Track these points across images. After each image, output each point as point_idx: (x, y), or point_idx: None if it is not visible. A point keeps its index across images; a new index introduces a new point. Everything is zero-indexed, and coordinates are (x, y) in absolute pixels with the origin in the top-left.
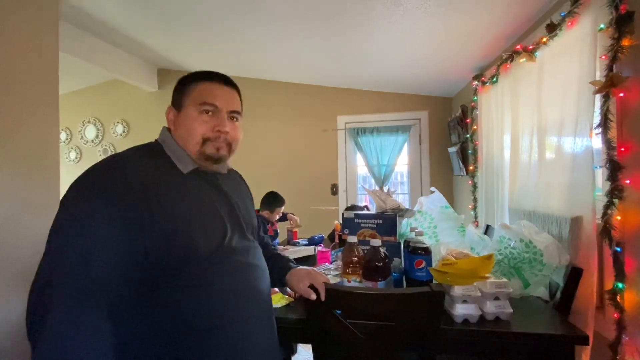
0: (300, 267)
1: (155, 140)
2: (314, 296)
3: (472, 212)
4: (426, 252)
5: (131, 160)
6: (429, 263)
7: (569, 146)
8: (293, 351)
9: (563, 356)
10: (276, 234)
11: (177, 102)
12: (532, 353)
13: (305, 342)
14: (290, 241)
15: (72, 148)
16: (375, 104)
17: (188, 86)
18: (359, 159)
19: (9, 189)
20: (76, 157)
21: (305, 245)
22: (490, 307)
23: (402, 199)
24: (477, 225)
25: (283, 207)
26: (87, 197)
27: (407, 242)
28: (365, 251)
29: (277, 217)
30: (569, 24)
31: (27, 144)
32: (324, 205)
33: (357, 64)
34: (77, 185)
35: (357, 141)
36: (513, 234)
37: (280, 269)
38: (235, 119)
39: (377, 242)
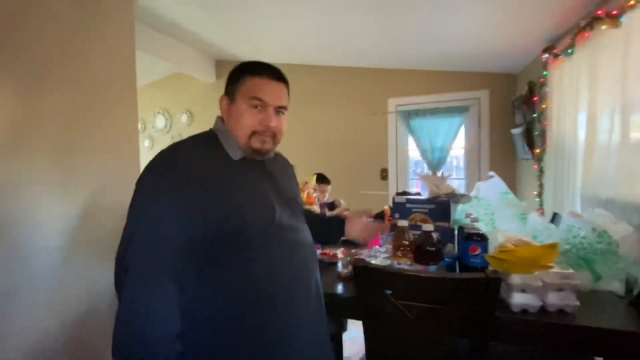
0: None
1: (210, 129)
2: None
3: (537, 199)
4: (482, 238)
5: (190, 148)
6: (485, 250)
7: None
8: (344, 328)
9: (636, 355)
10: None
11: (230, 92)
12: (598, 349)
13: (355, 318)
14: None
15: (146, 137)
16: (428, 84)
17: (240, 78)
18: (411, 143)
19: (99, 173)
20: (149, 145)
21: None
22: (553, 299)
23: (457, 184)
24: (542, 213)
25: (329, 187)
26: (156, 179)
27: (461, 229)
28: (416, 236)
29: (325, 196)
30: None
31: (113, 135)
32: (373, 190)
33: (409, 43)
34: (148, 170)
35: (408, 124)
36: (584, 222)
37: (337, 223)
38: (281, 113)
39: (429, 226)
